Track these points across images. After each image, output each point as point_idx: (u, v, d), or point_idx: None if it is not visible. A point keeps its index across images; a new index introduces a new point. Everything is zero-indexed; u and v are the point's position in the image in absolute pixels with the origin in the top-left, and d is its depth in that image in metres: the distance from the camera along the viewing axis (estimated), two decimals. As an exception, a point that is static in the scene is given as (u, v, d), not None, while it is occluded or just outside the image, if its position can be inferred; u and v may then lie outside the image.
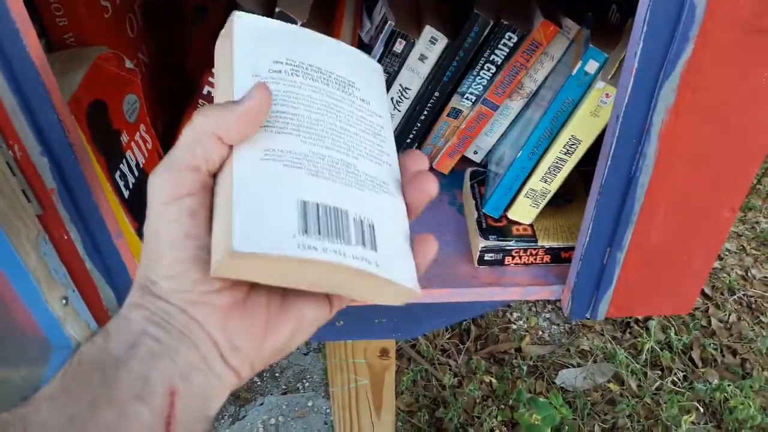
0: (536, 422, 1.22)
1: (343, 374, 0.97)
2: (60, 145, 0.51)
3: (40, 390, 0.31)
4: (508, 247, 0.68)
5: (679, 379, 1.48)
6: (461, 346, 1.51)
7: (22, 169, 0.51)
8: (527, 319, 1.61)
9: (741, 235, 1.90)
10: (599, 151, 0.61)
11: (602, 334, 1.59)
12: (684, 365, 1.52)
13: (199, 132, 0.34)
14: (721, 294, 1.69)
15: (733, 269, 1.77)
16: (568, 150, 0.62)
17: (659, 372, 1.50)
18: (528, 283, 0.68)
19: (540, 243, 0.67)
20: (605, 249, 0.61)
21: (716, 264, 1.79)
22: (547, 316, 1.63)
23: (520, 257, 0.68)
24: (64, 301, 0.57)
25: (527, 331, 1.59)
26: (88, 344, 0.33)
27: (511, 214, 0.68)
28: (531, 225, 0.69)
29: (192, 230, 0.33)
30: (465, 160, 0.81)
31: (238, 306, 0.35)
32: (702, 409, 1.42)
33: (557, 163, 0.63)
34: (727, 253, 1.83)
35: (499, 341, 1.57)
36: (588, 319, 0.65)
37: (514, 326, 1.60)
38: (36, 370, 0.57)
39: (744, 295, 1.70)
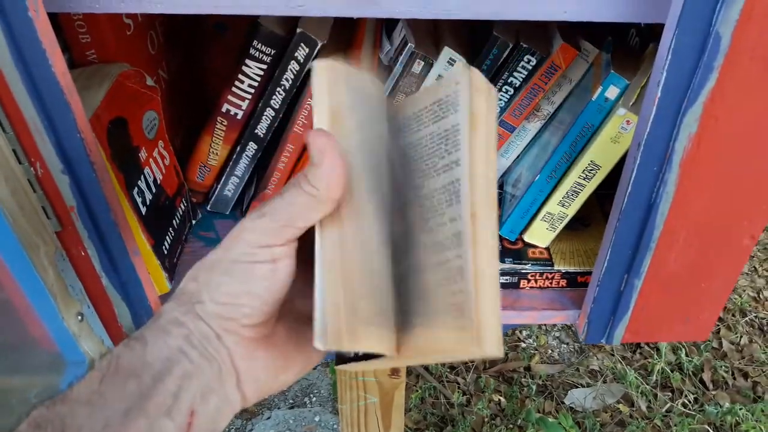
0: (545, 443, 1.21)
1: (352, 392, 0.96)
2: (81, 163, 0.51)
3: (76, 387, 0.33)
4: (523, 271, 0.67)
5: (690, 402, 1.47)
6: (470, 364, 1.50)
7: (42, 187, 0.52)
8: (537, 337, 1.60)
9: (753, 257, 1.88)
10: (616, 175, 0.61)
11: (612, 355, 1.57)
12: (695, 387, 1.50)
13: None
14: (733, 316, 1.68)
15: (744, 291, 1.76)
16: (587, 175, 0.61)
17: (669, 394, 1.49)
18: (543, 307, 0.68)
19: (556, 267, 0.67)
20: (623, 275, 0.61)
21: (728, 285, 1.77)
22: (557, 335, 1.62)
23: (535, 281, 0.68)
24: (79, 318, 0.57)
25: (537, 350, 1.58)
26: (125, 349, 0.34)
27: (528, 237, 0.68)
28: (547, 248, 0.69)
29: (267, 273, 0.35)
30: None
31: (263, 340, 0.37)
32: (713, 433, 1.41)
33: (575, 187, 0.63)
34: (738, 274, 1.81)
35: (508, 360, 1.56)
36: (603, 344, 0.64)
37: (524, 345, 1.59)
38: (50, 385, 0.57)
39: (755, 317, 1.69)
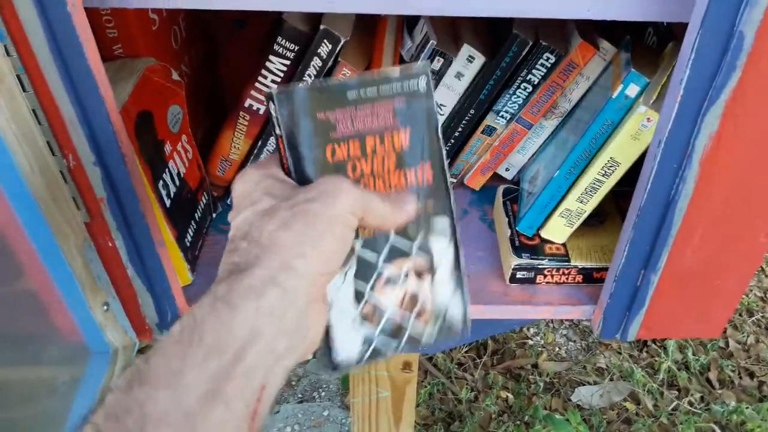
0: (554, 439, 1.22)
1: (364, 386, 0.97)
2: (113, 155, 0.52)
3: (153, 361, 0.31)
4: (540, 266, 0.68)
5: (696, 400, 1.47)
6: (478, 361, 1.51)
7: (74, 178, 0.53)
8: (544, 335, 1.61)
9: (759, 257, 1.89)
10: (631, 172, 0.62)
11: (619, 353, 1.58)
12: (701, 386, 1.51)
13: None
14: (740, 315, 1.69)
15: (751, 291, 1.76)
16: (605, 172, 0.62)
17: (676, 392, 1.50)
18: (559, 302, 0.69)
19: (573, 262, 0.68)
20: (640, 271, 0.61)
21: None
22: (564, 332, 1.63)
23: (552, 276, 0.69)
24: (105, 307, 0.58)
25: (544, 348, 1.59)
26: (210, 313, 0.32)
27: (545, 233, 0.69)
28: (564, 244, 0.70)
29: (348, 240, 0.37)
30: (496, 177, 0.81)
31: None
32: (719, 431, 1.42)
33: (594, 184, 0.63)
34: (745, 274, 1.82)
35: (516, 357, 1.57)
36: (618, 339, 0.65)
37: (531, 342, 1.60)
38: (75, 375, 0.58)
39: (762, 317, 1.69)
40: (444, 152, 0.43)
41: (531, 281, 0.70)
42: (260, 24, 0.85)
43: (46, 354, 0.58)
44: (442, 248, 0.43)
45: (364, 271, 0.41)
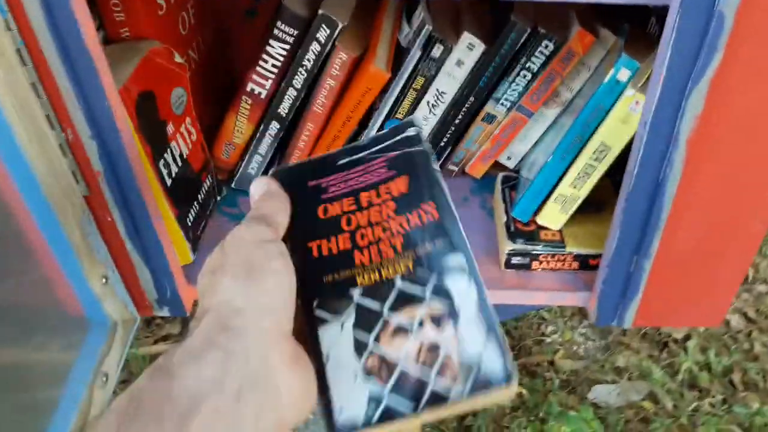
0: (564, 434, 1.21)
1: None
2: (109, 130, 0.55)
3: None
4: (535, 252, 0.68)
5: (718, 402, 1.44)
6: (494, 356, 1.50)
7: (72, 151, 0.55)
8: (562, 333, 1.60)
9: (788, 259, 1.84)
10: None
11: (638, 352, 1.56)
12: (723, 388, 1.48)
13: None
14: (766, 318, 1.65)
15: (780, 294, 1.72)
16: (597, 156, 0.62)
17: (697, 393, 1.47)
18: (555, 288, 0.69)
19: (568, 249, 0.68)
20: (632, 257, 0.61)
21: (761, 287, 1.74)
22: (583, 331, 1.61)
23: (547, 262, 0.69)
24: (104, 280, 0.61)
25: (561, 345, 1.58)
26: (149, 383, 0.31)
27: (540, 219, 0.69)
28: (560, 231, 0.70)
29: (284, 268, 0.36)
30: (498, 166, 0.82)
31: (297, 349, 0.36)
32: (740, 434, 1.39)
33: (587, 169, 0.63)
34: (774, 277, 1.78)
35: (532, 353, 1.56)
36: (615, 326, 0.65)
37: (548, 339, 1.58)
38: (73, 343, 0.61)
39: (791, 320, 1.65)
40: (445, 186, 0.41)
41: (526, 267, 0.70)
42: (271, 13, 0.87)
43: (47, 324, 0.60)
44: (461, 288, 0.37)
45: (366, 320, 0.37)
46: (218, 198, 0.79)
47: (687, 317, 0.67)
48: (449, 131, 0.77)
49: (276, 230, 0.38)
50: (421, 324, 0.37)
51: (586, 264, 0.69)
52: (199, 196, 0.74)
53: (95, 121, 0.54)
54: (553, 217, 0.68)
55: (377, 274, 0.38)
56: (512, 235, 0.69)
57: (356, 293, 0.38)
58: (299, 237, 0.40)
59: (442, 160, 0.81)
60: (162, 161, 0.66)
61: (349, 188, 0.41)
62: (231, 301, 0.33)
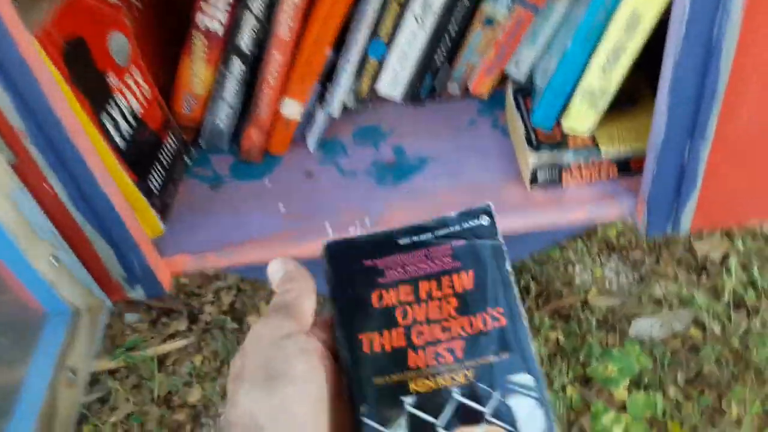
0: (612, 374, 1.11)
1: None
2: (24, 82, 0.44)
3: None
4: (565, 161, 0.57)
5: (769, 320, 1.34)
6: (522, 305, 1.41)
7: (-18, 109, 0.44)
8: (591, 271, 1.49)
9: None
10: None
11: (676, 280, 1.46)
12: (772, 304, 1.38)
13: None
14: (806, 224, 1.54)
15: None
16: (628, 31, 0.51)
17: (745, 313, 1.37)
18: (592, 201, 0.58)
19: (603, 152, 0.57)
20: (685, 142, 0.50)
21: (796, 193, 1.63)
22: (613, 266, 1.51)
23: (580, 173, 0.58)
24: (53, 261, 0.50)
25: (593, 284, 1.47)
26: None
27: (566, 123, 0.58)
28: (591, 137, 0.59)
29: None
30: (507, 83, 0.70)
31: None
32: (798, 349, 1.29)
33: (616, 49, 0.52)
34: (806, 180, 1.66)
35: (562, 296, 1.45)
36: (669, 234, 0.54)
37: (578, 280, 1.48)
38: (27, 338, 0.51)
39: (832, 223, 1.54)
40: (517, 292, 0.37)
41: (555, 182, 0.59)
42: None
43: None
44: (526, 413, 0.34)
45: None
46: (188, 160, 0.69)
47: (757, 210, 0.56)
48: (444, 44, 0.66)
49: (299, 320, 0.34)
50: None
51: (627, 168, 0.58)
52: (161, 158, 0.63)
53: (6, 73, 0.43)
54: (581, 117, 0.57)
55: (433, 381, 0.35)
56: (535, 147, 0.58)
57: (408, 402, 0.35)
58: (349, 326, 0.36)
59: (439, 80, 0.69)
60: (106, 116, 0.55)
61: (407, 274, 0.38)
62: (253, 416, 0.30)
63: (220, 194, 0.66)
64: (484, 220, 0.38)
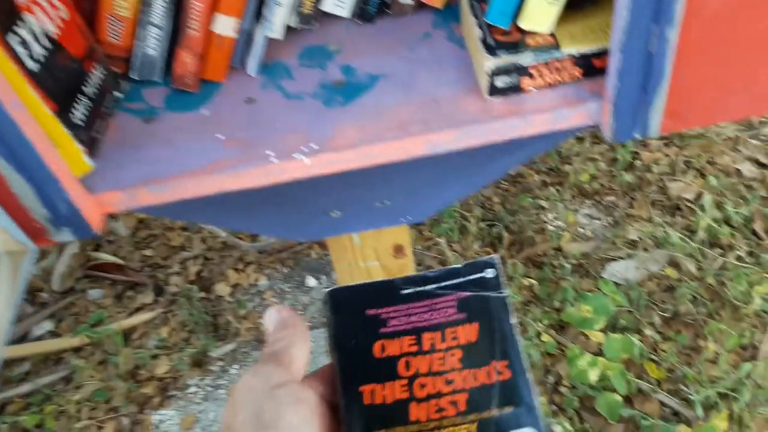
0: (587, 315, 1.08)
1: (354, 281, 0.84)
2: None
3: None
4: (524, 63, 0.53)
5: (744, 255, 1.33)
6: (491, 251, 1.37)
7: None
8: (564, 217, 1.46)
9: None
10: None
11: (650, 220, 1.43)
12: (746, 239, 1.36)
13: None
14: (778, 160, 1.52)
15: (787, 134, 1.59)
16: None
17: (720, 250, 1.35)
18: (555, 107, 0.54)
19: (564, 50, 0.52)
20: (651, 28, 0.46)
21: (766, 131, 1.61)
22: (587, 211, 1.48)
23: (541, 76, 0.54)
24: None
25: (566, 230, 1.44)
26: None
27: (524, 21, 0.53)
28: (551, 34, 0.54)
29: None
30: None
31: None
32: (774, 282, 1.28)
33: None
34: (775, 117, 1.65)
35: (535, 243, 1.42)
36: (638, 140, 0.50)
37: (551, 227, 1.45)
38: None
39: (804, 158, 1.53)
40: (521, 344, 0.37)
41: (515, 89, 0.54)
42: None
43: None
44: None
45: None
46: (118, 93, 0.63)
47: (731, 107, 0.52)
48: (387, -52, 0.61)
49: (291, 369, 0.34)
50: None
51: (591, 68, 0.54)
52: (85, 88, 0.57)
53: None
54: (539, 13, 0.52)
55: None
56: (492, 49, 0.53)
57: None
58: (350, 376, 0.36)
59: (387, -6, 0.64)
60: (13, 37, 0.49)
61: (411, 325, 0.38)
62: None
63: (154, 127, 0.60)
64: (490, 273, 0.39)
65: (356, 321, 0.38)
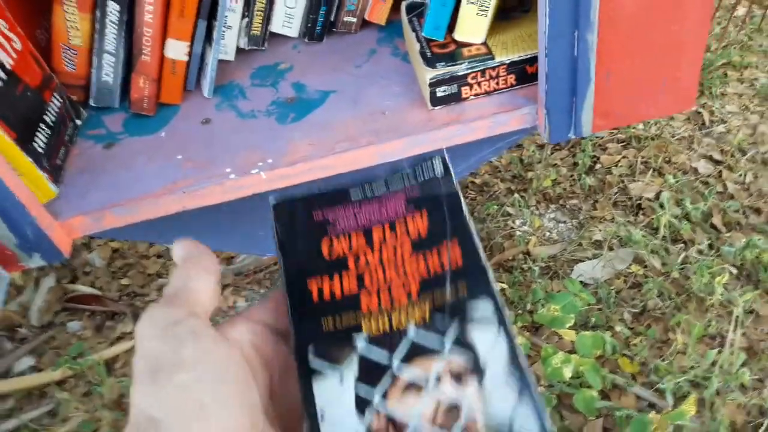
0: (556, 314, 1.11)
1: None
2: None
3: None
4: (461, 73, 0.56)
5: (705, 248, 1.37)
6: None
7: None
8: (531, 222, 1.50)
9: (741, 95, 1.77)
10: None
11: (613, 220, 1.47)
12: (707, 234, 1.40)
13: None
14: (732, 156, 1.57)
15: (739, 130, 1.64)
16: None
17: (682, 245, 1.39)
18: (493, 113, 0.57)
19: (498, 59, 0.56)
20: (572, 33, 0.49)
21: (720, 128, 1.66)
22: (552, 215, 1.52)
23: (479, 84, 0.57)
24: None
25: (533, 234, 1.48)
26: None
27: (459, 34, 0.57)
28: (485, 44, 0.57)
29: None
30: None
31: None
32: (735, 272, 1.31)
33: (495, -54, 0.51)
34: (729, 114, 1.70)
35: (504, 249, 1.46)
36: (573, 139, 0.53)
37: (518, 232, 1.48)
38: None
39: (756, 152, 1.58)
40: (474, 227, 0.36)
41: (456, 98, 0.57)
42: None
43: None
44: (488, 340, 0.33)
45: (371, 374, 0.33)
46: (78, 121, 0.65)
47: (655, 106, 0.56)
48: (330, -29, 0.64)
49: (191, 303, 0.31)
50: (438, 380, 0.32)
51: (524, 74, 0.57)
52: (45, 117, 0.59)
53: None
54: (472, 26, 0.56)
55: (387, 321, 0.34)
56: (430, 61, 0.56)
57: (360, 341, 0.33)
58: (295, 275, 0.35)
59: (335, 13, 0.67)
60: (-32, 69, 0.51)
61: (360, 224, 0.37)
62: (145, 412, 0.28)
63: (115, 152, 0.62)
64: (438, 166, 0.38)
65: (302, 225, 0.37)
